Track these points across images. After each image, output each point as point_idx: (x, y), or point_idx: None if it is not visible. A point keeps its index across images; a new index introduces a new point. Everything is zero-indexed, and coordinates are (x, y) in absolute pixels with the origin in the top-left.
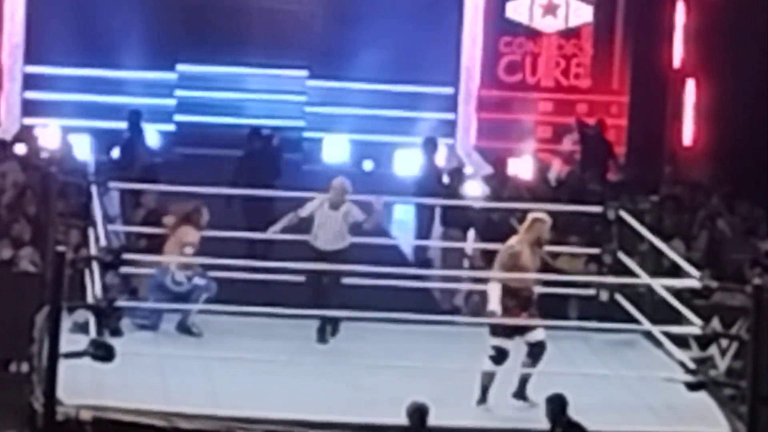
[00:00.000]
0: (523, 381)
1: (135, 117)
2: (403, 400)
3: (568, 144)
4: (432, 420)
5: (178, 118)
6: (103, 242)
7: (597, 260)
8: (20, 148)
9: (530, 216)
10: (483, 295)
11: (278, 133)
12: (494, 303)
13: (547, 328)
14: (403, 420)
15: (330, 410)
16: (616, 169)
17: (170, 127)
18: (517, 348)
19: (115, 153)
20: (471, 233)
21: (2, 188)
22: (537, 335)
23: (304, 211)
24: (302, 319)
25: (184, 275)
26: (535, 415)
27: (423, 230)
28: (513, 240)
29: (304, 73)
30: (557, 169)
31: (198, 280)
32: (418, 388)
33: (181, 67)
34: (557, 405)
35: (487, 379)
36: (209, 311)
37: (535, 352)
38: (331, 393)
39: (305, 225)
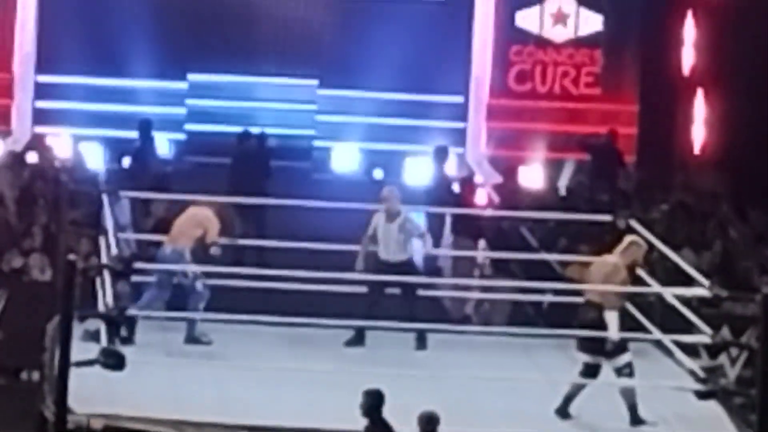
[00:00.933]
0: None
1: (146, 126)
2: (413, 410)
3: (569, 171)
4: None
5: (189, 127)
6: (114, 251)
7: None
8: (32, 157)
9: (627, 239)
10: (493, 303)
11: (268, 135)
12: (614, 330)
13: (557, 336)
14: (413, 429)
15: (339, 418)
16: (627, 179)
17: (181, 136)
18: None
19: (126, 162)
20: (481, 242)
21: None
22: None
23: (369, 230)
24: (314, 327)
25: (192, 271)
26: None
27: (433, 239)
28: (611, 258)
29: (314, 82)
30: (567, 176)
31: (199, 286)
32: (427, 397)
33: (192, 77)
34: (373, 400)
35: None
36: (217, 319)
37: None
38: (340, 401)
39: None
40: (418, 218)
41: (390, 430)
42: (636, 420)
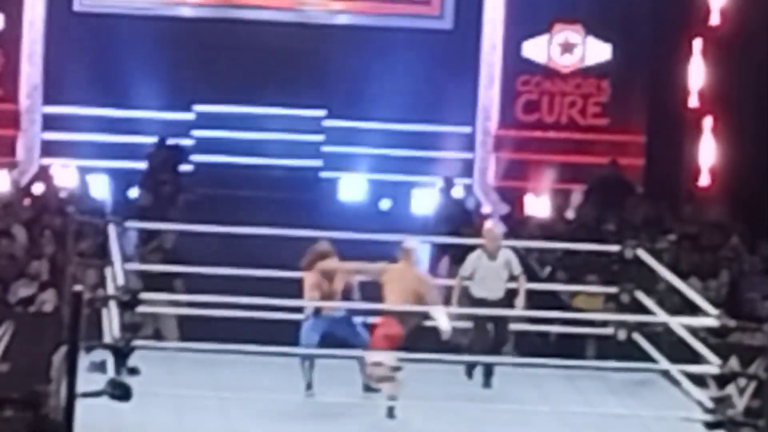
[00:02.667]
0: None
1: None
2: None
3: (576, 201)
4: None
5: (195, 158)
6: (120, 281)
7: (615, 299)
8: (38, 189)
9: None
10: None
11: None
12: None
13: (565, 367)
14: None
15: None
16: (634, 208)
17: (187, 167)
18: None
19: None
20: None
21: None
22: None
23: (465, 271)
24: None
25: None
26: None
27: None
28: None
29: (321, 113)
30: (574, 206)
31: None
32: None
33: (198, 107)
34: None
35: None
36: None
37: None
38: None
39: None
40: (424, 250)
41: None
42: None
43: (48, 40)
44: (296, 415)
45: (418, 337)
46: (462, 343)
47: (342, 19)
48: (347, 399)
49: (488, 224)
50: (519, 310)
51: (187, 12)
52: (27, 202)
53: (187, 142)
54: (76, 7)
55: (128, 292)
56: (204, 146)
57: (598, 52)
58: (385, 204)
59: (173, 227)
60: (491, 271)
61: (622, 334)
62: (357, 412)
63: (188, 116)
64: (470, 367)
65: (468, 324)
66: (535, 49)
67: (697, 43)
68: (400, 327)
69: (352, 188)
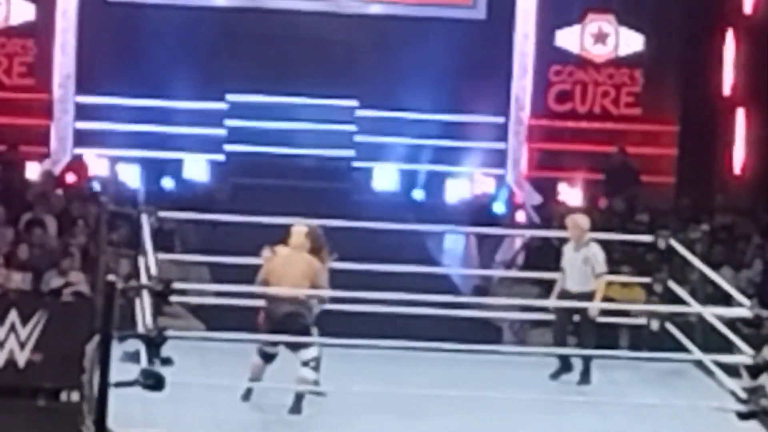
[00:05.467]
0: None
1: None
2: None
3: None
4: None
5: (228, 148)
6: (153, 271)
7: (648, 289)
8: (71, 178)
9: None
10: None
11: None
12: None
13: (598, 356)
14: None
15: None
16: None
17: (220, 158)
18: None
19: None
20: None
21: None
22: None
23: (562, 265)
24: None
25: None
26: None
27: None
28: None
29: (354, 103)
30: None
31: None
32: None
33: (231, 97)
34: None
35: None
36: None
37: None
38: (382, 423)
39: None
40: (458, 239)
41: None
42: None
43: (81, 29)
44: (327, 404)
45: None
46: None
47: (375, 9)
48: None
49: (570, 216)
50: (591, 313)
51: (219, 1)
52: (59, 191)
53: (219, 131)
54: None
55: (161, 282)
56: (237, 136)
57: (630, 41)
58: (418, 194)
59: (205, 217)
60: (572, 262)
61: (655, 324)
62: (384, 404)
63: (221, 106)
64: (565, 363)
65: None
66: (567, 38)
67: (730, 33)
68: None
69: (385, 178)
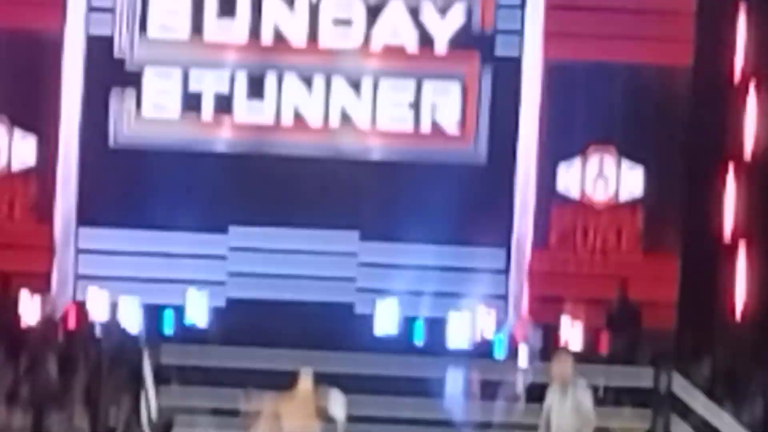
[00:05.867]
0: None
1: None
2: None
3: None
4: None
5: (230, 293)
6: (153, 413)
7: (650, 427)
8: (71, 321)
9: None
10: None
11: None
12: None
13: None
14: None
15: None
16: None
17: (221, 300)
18: None
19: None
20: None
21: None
22: None
23: (545, 407)
24: None
25: None
26: None
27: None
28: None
29: (355, 236)
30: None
31: None
32: None
33: (234, 230)
34: None
35: None
36: None
37: None
38: None
39: None
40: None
41: None
42: None
43: (82, 165)
44: None
45: None
46: None
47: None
48: None
49: (559, 355)
50: None
51: (221, 147)
52: (61, 333)
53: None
54: (111, 144)
55: (161, 421)
56: (237, 278)
57: (631, 183)
58: (419, 337)
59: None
60: (560, 409)
61: None
62: None
63: (222, 251)
64: None
65: None
66: (569, 180)
67: (731, 169)
68: None
69: (386, 322)
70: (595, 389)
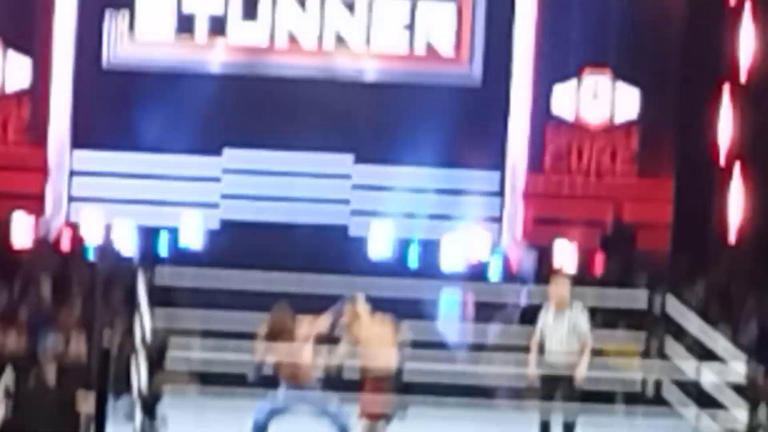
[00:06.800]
0: None
1: None
2: None
3: None
4: None
5: (224, 214)
6: (148, 333)
7: (644, 349)
8: (65, 240)
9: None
10: None
11: None
12: None
13: (594, 416)
14: None
15: None
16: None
17: (215, 222)
18: None
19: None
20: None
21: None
22: None
23: (538, 327)
24: None
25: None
26: None
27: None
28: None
29: (349, 158)
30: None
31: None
32: None
33: (228, 152)
34: None
35: None
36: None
37: None
38: None
39: None
40: (454, 302)
41: None
42: None
43: (76, 86)
44: None
45: None
46: None
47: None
48: None
49: (556, 278)
50: (578, 379)
51: (215, 69)
52: (55, 252)
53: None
54: (105, 65)
55: (156, 342)
56: (232, 198)
57: (627, 102)
58: (413, 259)
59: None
60: (557, 329)
61: (650, 388)
62: None
63: (216, 173)
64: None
65: None
66: (563, 99)
67: (726, 89)
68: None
69: (380, 245)
70: (591, 312)
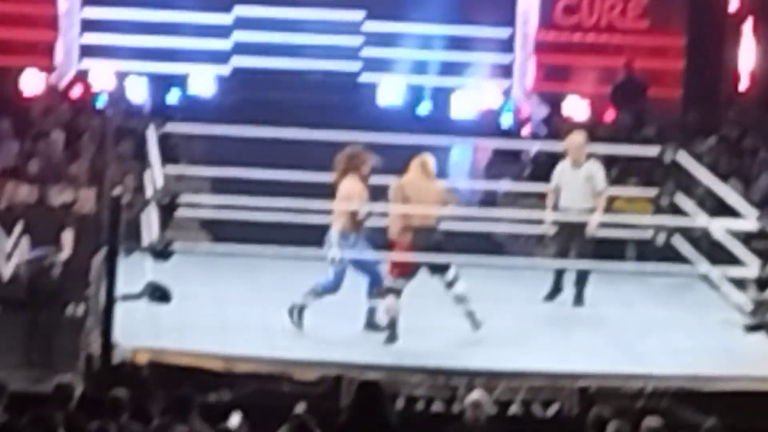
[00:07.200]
0: None
1: None
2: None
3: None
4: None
5: (235, 61)
6: (159, 184)
7: (655, 202)
8: (76, 92)
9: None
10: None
11: None
12: None
13: (604, 270)
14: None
15: (388, 352)
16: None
17: (226, 71)
18: None
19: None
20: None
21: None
22: None
23: (553, 182)
24: None
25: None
26: None
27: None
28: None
29: (360, 14)
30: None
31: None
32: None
33: (238, 9)
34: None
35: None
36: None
37: None
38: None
39: None
40: (464, 152)
41: None
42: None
43: None
44: (339, 314)
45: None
46: None
47: None
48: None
49: (572, 134)
50: (591, 229)
51: None
52: (65, 104)
53: (226, 44)
54: None
55: (167, 195)
56: (242, 49)
57: None
58: (423, 109)
59: (210, 131)
60: (572, 181)
61: (661, 237)
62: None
63: (227, 20)
64: (558, 282)
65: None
66: None
67: None
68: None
69: (391, 92)
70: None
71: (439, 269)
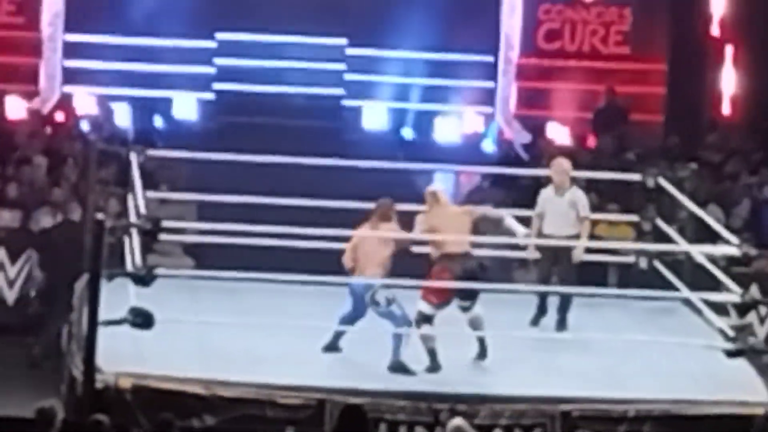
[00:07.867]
0: None
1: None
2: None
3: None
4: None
5: (218, 86)
6: (142, 210)
7: (636, 227)
8: (59, 117)
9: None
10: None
11: None
12: None
13: (587, 295)
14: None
15: (371, 376)
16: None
17: (209, 96)
18: None
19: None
20: None
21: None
22: None
23: (537, 209)
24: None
25: (385, 296)
26: None
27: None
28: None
29: (343, 41)
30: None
31: (396, 309)
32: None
33: (221, 36)
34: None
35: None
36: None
37: None
38: (371, 359)
39: None
40: (447, 178)
41: None
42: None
43: None
44: (320, 341)
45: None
46: None
47: None
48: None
49: (557, 159)
50: (576, 255)
51: None
52: (48, 130)
53: (209, 70)
54: None
55: (150, 221)
56: (226, 75)
57: None
58: (407, 133)
59: (194, 156)
60: (556, 208)
61: (643, 263)
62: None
63: (210, 44)
64: (542, 306)
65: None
66: None
67: None
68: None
69: (374, 117)
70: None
71: (470, 296)
